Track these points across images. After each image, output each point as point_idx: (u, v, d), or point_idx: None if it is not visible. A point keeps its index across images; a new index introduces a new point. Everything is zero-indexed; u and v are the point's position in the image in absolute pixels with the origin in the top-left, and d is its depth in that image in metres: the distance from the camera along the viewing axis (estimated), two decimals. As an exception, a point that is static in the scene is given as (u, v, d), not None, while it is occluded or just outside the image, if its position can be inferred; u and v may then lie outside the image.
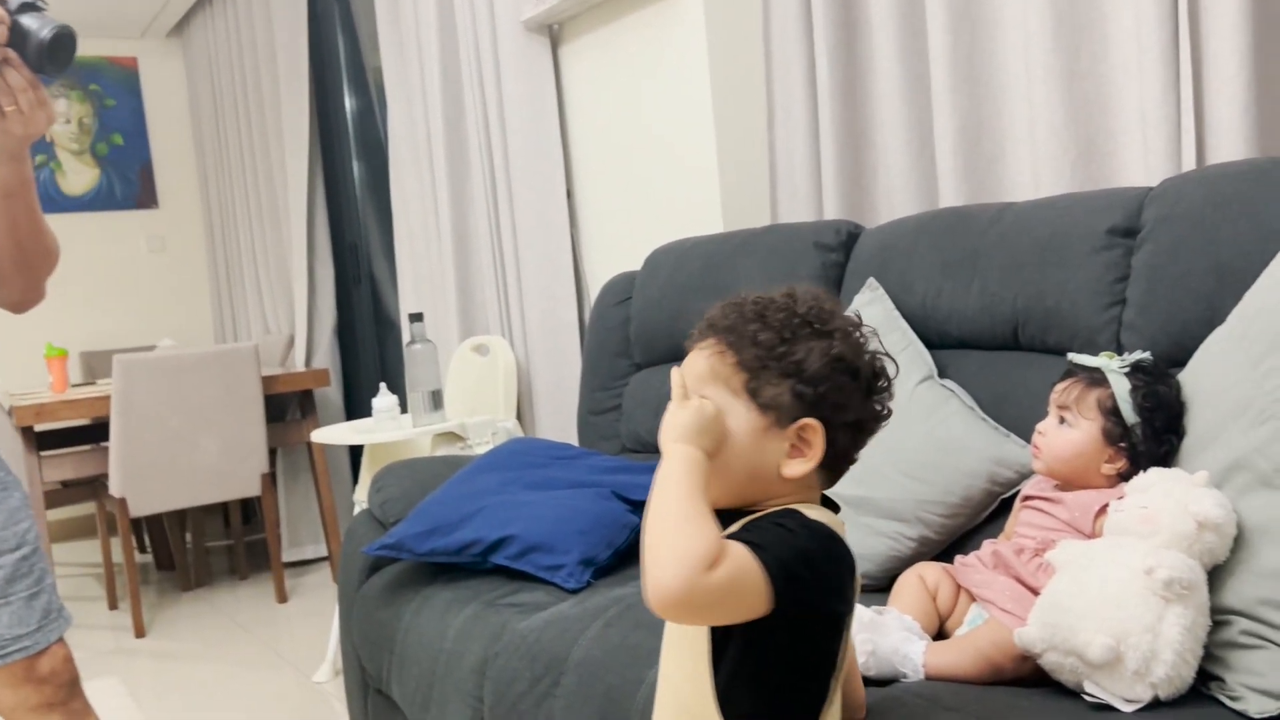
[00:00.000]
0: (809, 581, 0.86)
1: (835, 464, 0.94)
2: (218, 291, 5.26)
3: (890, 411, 0.96)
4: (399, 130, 3.32)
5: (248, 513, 4.58)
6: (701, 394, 0.93)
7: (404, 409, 2.80)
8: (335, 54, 4.23)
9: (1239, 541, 1.13)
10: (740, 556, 0.83)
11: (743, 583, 0.83)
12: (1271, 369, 1.15)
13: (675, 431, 0.90)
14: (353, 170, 4.29)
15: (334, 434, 2.75)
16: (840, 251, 1.93)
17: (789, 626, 0.88)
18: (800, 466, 0.91)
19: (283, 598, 3.66)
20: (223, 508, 4.46)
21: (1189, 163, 1.64)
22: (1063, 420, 1.31)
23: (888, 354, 0.96)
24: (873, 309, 1.73)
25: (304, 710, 2.66)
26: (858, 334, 0.94)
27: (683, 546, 0.82)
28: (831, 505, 0.97)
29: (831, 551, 0.90)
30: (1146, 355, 1.32)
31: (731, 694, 0.91)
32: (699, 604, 0.83)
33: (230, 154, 4.81)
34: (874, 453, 1.58)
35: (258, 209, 4.59)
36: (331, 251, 4.32)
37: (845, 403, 0.92)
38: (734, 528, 0.89)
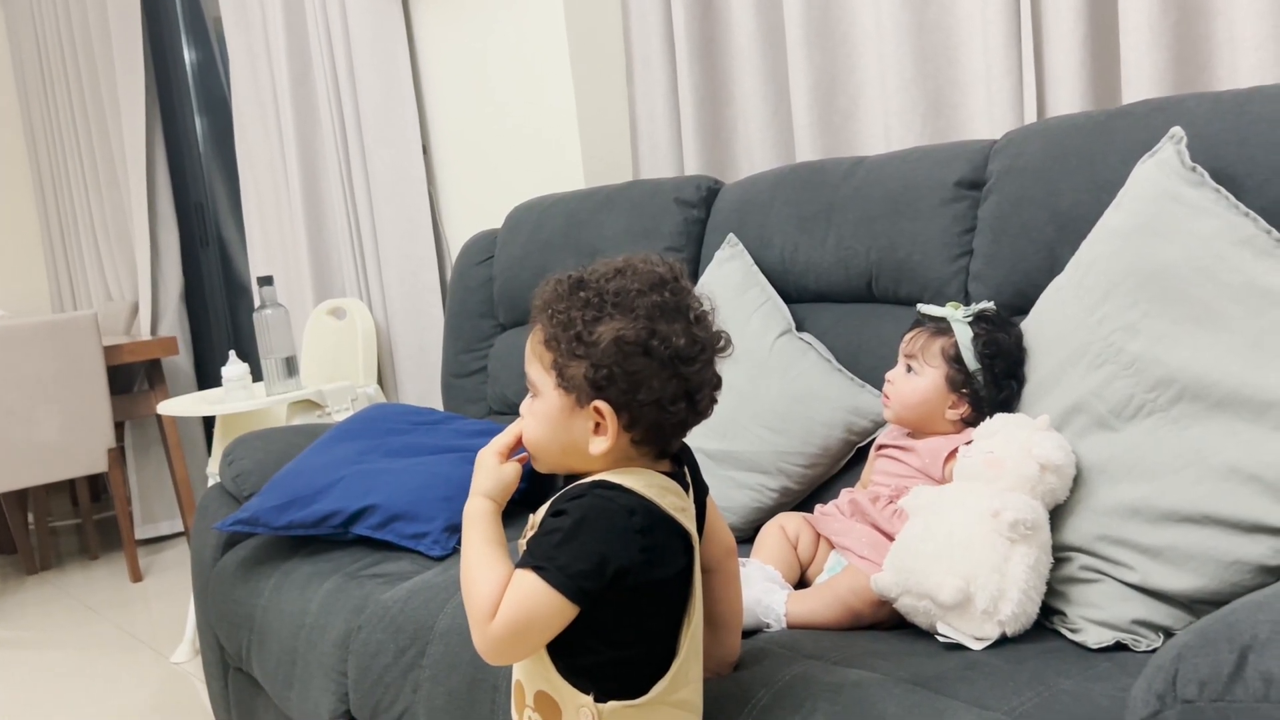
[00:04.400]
0: (604, 571, 0.89)
1: (653, 437, 0.95)
2: (52, 258, 4.95)
3: (708, 383, 0.95)
4: (242, 85, 3.16)
5: (97, 489, 4.37)
6: (526, 371, 0.97)
7: (259, 377, 2.69)
8: (171, 2, 3.99)
9: (1078, 481, 1.18)
10: (521, 589, 0.89)
11: (531, 612, 0.88)
12: (1106, 316, 1.20)
13: (474, 485, 0.99)
14: (195, 127, 4.07)
15: (182, 405, 2.62)
16: (701, 207, 1.93)
17: (608, 606, 0.90)
18: (599, 445, 0.93)
19: (137, 577, 3.51)
20: (70, 485, 4.24)
21: (1030, 114, 1.70)
22: (910, 369, 1.35)
23: (718, 332, 0.96)
24: (732, 265, 1.74)
25: (164, 692, 2.56)
26: (668, 311, 0.92)
27: (469, 605, 0.91)
28: (679, 461, 0.99)
29: (625, 529, 0.90)
30: (990, 305, 1.37)
31: (574, 661, 0.94)
32: (500, 648, 0.90)
33: (60, 112, 4.50)
34: (735, 407, 1.60)
35: (93, 169, 4.32)
36: (175, 213, 4.10)
37: (639, 383, 0.91)
38: (539, 515, 0.94)
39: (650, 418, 0.93)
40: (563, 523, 0.89)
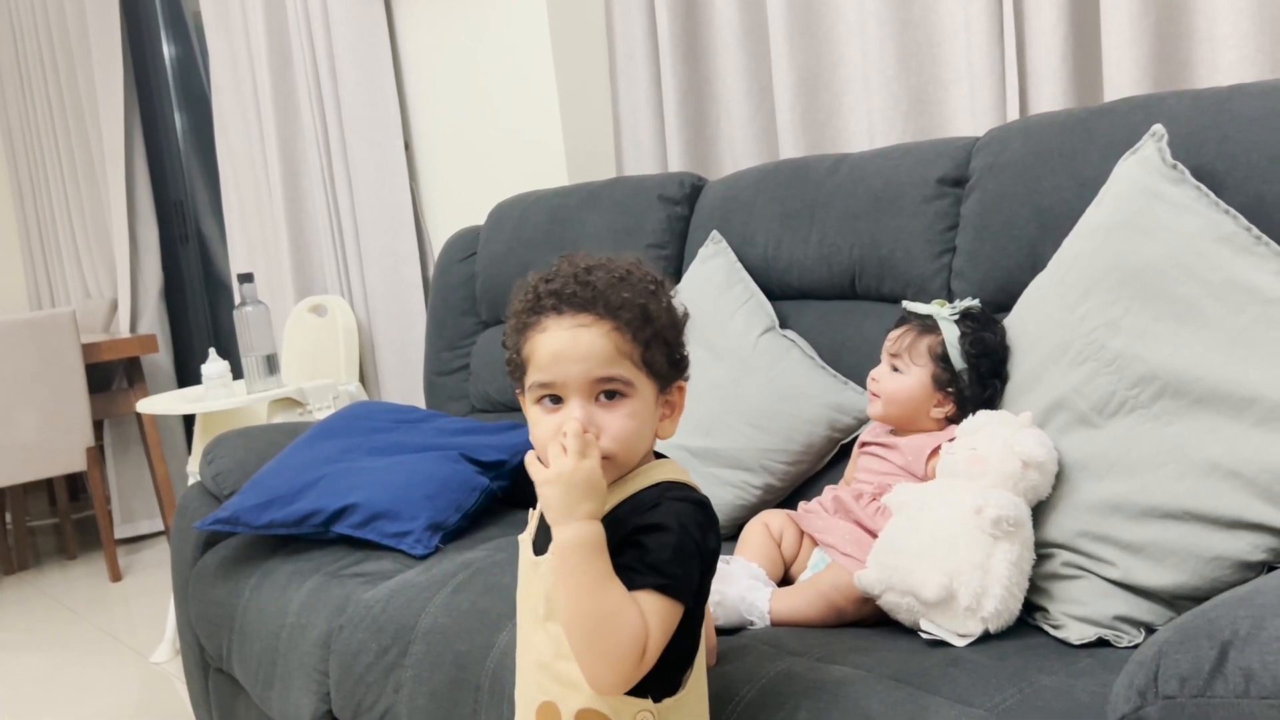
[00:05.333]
0: (705, 572, 0.89)
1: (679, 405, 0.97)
2: (30, 254, 4.90)
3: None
4: (222, 80, 3.14)
5: (75, 489, 4.33)
6: (614, 374, 0.90)
7: (239, 375, 2.67)
8: (150, -4, 3.96)
9: (1060, 478, 1.18)
10: (660, 615, 0.85)
11: (670, 630, 0.86)
12: (1087, 313, 1.20)
13: (563, 500, 0.86)
14: (175, 123, 4.04)
15: (162, 403, 2.60)
16: (684, 204, 1.92)
17: None
18: (672, 426, 0.94)
19: (116, 576, 3.48)
20: (48, 484, 4.20)
21: (1013, 112, 1.70)
22: (895, 368, 1.35)
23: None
24: (715, 262, 1.74)
25: (144, 693, 2.55)
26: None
27: (616, 646, 0.83)
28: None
29: (709, 519, 0.91)
30: (975, 303, 1.37)
31: None
32: (642, 674, 0.86)
33: (38, 107, 4.46)
34: (718, 404, 1.60)
35: (71, 165, 4.28)
36: (155, 209, 4.07)
37: (685, 353, 0.95)
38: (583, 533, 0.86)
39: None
40: (668, 537, 0.87)
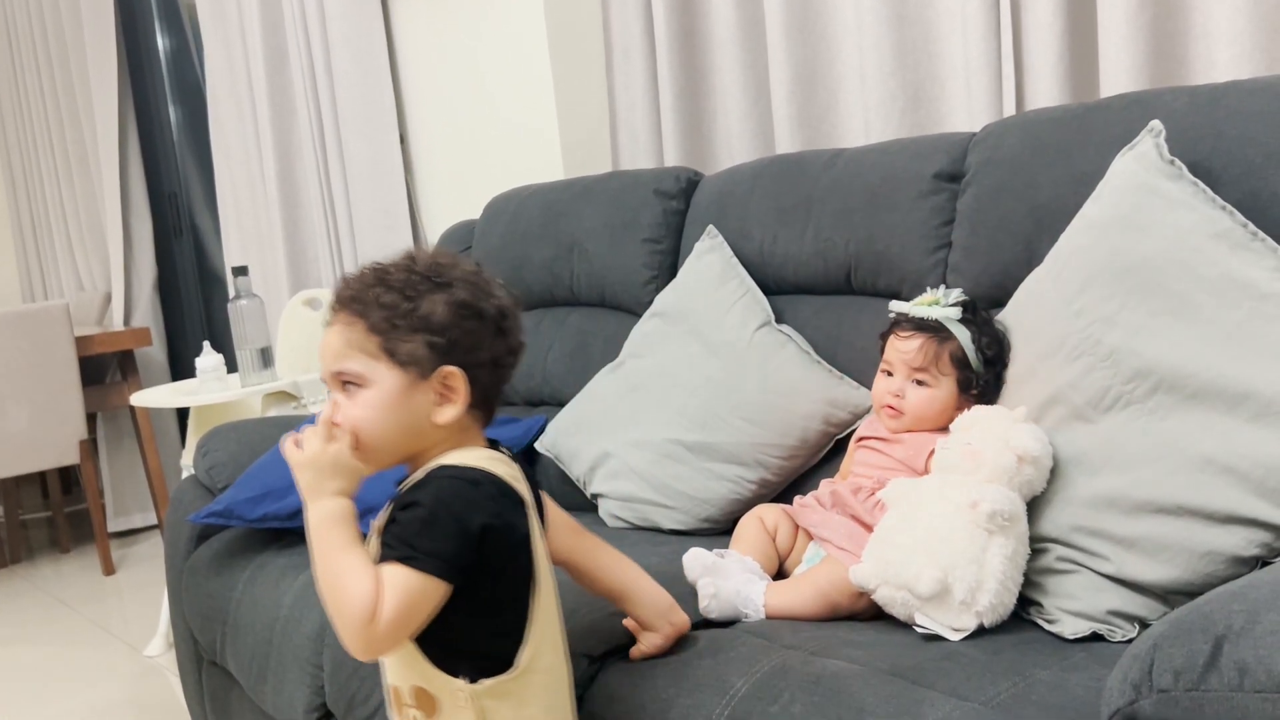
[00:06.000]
0: (469, 540, 0.91)
1: (485, 402, 1.01)
2: (23, 247, 4.88)
3: (523, 342, 1.04)
4: (217, 73, 3.13)
5: (68, 482, 4.32)
6: (343, 368, 0.96)
7: (233, 368, 2.66)
8: (144, -12, 3.95)
9: (1055, 472, 1.18)
10: (396, 584, 0.89)
11: (413, 601, 0.89)
12: (1083, 308, 1.20)
13: (311, 481, 0.94)
14: (169, 115, 4.02)
15: (155, 396, 2.59)
16: (680, 199, 1.92)
17: (470, 575, 0.93)
18: (451, 411, 0.97)
19: (109, 570, 3.47)
20: (40, 477, 4.19)
21: (1009, 108, 1.70)
22: (921, 381, 1.33)
23: (511, 292, 1.03)
24: (711, 257, 1.74)
25: (137, 686, 2.54)
26: (479, 280, 1.00)
27: (345, 611, 0.89)
28: (494, 445, 1.04)
29: (477, 498, 0.94)
30: (960, 292, 1.37)
31: (442, 646, 0.96)
32: (385, 644, 0.91)
33: (31, 99, 4.44)
34: (713, 398, 1.60)
35: (64, 158, 4.27)
36: (149, 202, 4.06)
37: (478, 344, 0.98)
38: (383, 516, 0.95)
39: (485, 378, 0.99)
40: (418, 511, 0.91)
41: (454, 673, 0.95)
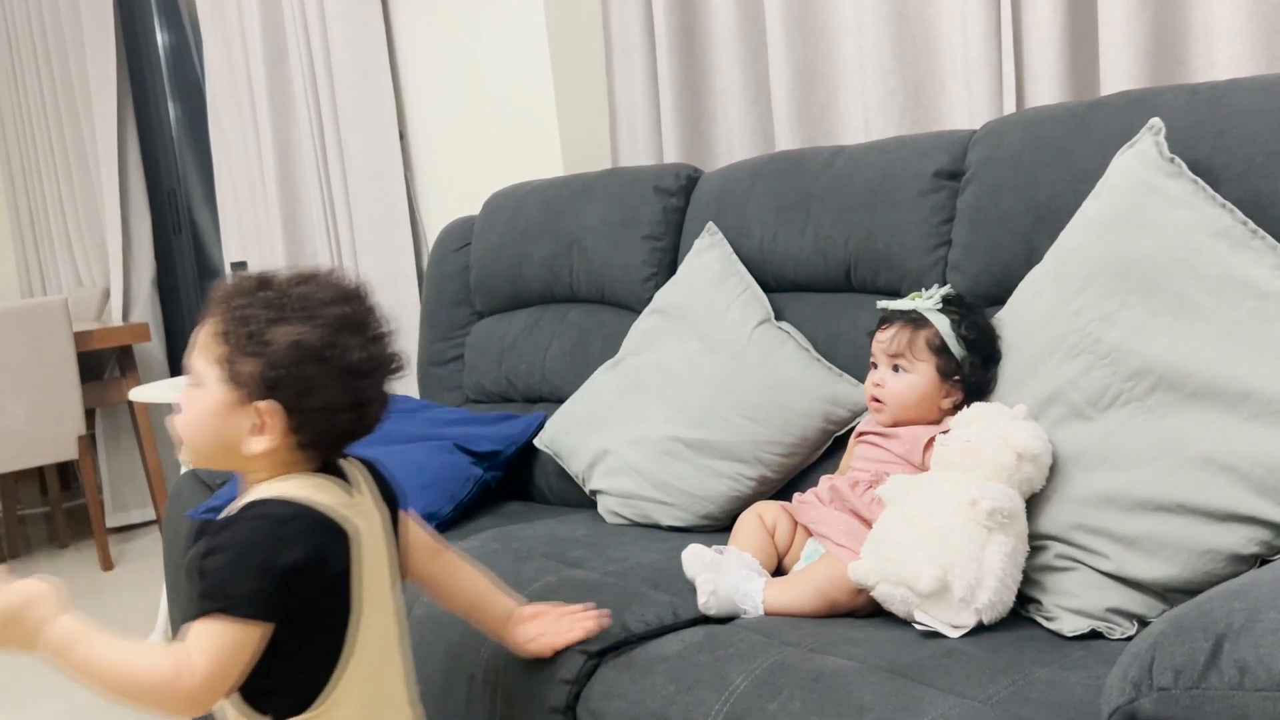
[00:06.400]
0: (275, 578, 0.89)
1: (319, 444, 0.96)
2: (21, 242, 4.87)
3: (378, 400, 0.98)
4: (216, 70, 3.12)
5: (67, 478, 4.31)
6: (189, 363, 0.95)
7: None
8: (143, -16, 3.94)
9: (1054, 470, 1.19)
10: (208, 636, 0.87)
11: (228, 649, 0.87)
12: (1083, 306, 1.20)
13: (14, 635, 0.89)
14: (168, 112, 4.02)
15: (154, 392, 2.59)
16: (680, 195, 1.92)
17: (280, 615, 0.91)
18: (258, 444, 0.93)
19: (108, 565, 3.47)
20: (39, 473, 4.19)
21: (1009, 106, 1.70)
22: (898, 368, 1.34)
23: (393, 353, 0.99)
24: (711, 254, 1.74)
25: (134, 682, 2.54)
26: (350, 324, 0.94)
27: (149, 687, 0.87)
28: (340, 472, 1.00)
29: (285, 534, 0.91)
30: (949, 288, 1.38)
31: (249, 684, 0.92)
32: (208, 697, 0.89)
33: (30, 95, 4.43)
34: (713, 396, 1.60)
35: (63, 154, 4.26)
36: (148, 199, 4.06)
37: (311, 389, 0.92)
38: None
39: (317, 424, 0.94)
40: (223, 558, 0.89)
41: (262, 710, 0.94)
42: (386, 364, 0.97)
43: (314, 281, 0.95)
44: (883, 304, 1.40)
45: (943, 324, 1.32)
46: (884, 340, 1.35)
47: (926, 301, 1.35)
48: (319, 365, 0.92)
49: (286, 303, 0.93)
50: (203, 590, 0.89)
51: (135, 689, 0.88)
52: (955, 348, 1.31)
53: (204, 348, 0.95)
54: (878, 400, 1.36)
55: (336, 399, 0.93)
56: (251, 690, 0.94)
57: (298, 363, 0.91)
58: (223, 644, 0.87)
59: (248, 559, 0.89)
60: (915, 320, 1.34)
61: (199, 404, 0.95)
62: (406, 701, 1.03)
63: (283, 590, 0.89)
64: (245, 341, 0.92)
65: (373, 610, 0.97)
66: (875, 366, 1.37)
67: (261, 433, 0.93)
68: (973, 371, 1.31)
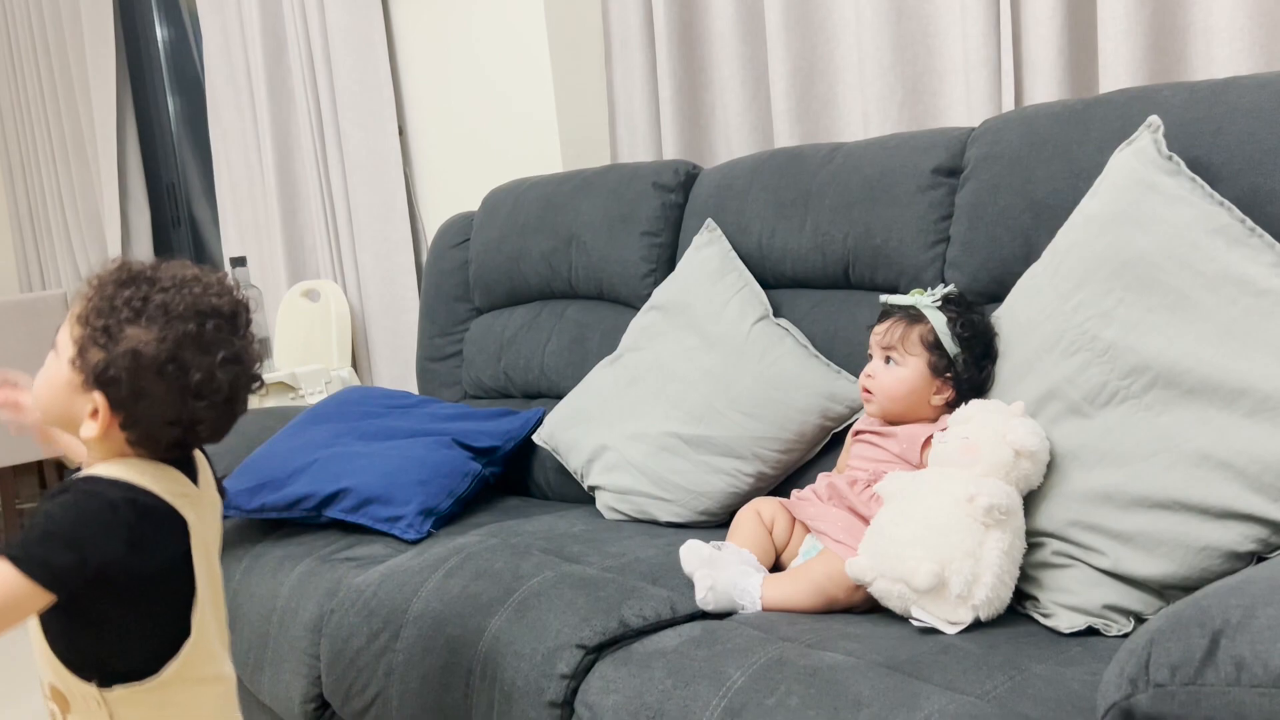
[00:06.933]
0: (85, 566, 0.90)
1: (146, 445, 0.97)
2: (20, 236, 4.87)
3: (217, 418, 0.98)
4: (215, 64, 3.12)
5: (65, 471, 4.31)
6: (59, 335, 0.96)
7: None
8: (142, -22, 3.93)
9: (1051, 467, 1.19)
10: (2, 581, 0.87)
11: (7, 596, 0.87)
12: (1081, 303, 1.21)
13: None
14: (167, 105, 4.01)
15: (154, 387, 2.59)
16: (679, 192, 1.92)
17: (97, 597, 0.92)
18: (87, 430, 0.94)
19: (106, 560, 3.47)
20: (37, 466, 4.18)
21: (1008, 103, 1.70)
22: (890, 360, 1.35)
23: (248, 377, 0.99)
24: (710, 250, 1.74)
25: (132, 677, 2.54)
26: (201, 342, 0.94)
27: None
28: (187, 466, 1.01)
29: (107, 524, 0.92)
30: (952, 288, 1.38)
31: (74, 651, 0.96)
32: None
33: (29, 88, 4.43)
34: (711, 392, 1.60)
35: (62, 148, 4.25)
36: (147, 192, 4.05)
37: (141, 396, 0.93)
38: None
39: (143, 428, 0.95)
40: (47, 521, 0.91)
41: (84, 676, 0.96)
42: (227, 388, 0.96)
43: (185, 289, 0.95)
44: (884, 298, 1.40)
45: (938, 320, 1.32)
46: (879, 333, 1.37)
47: (926, 298, 1.35)
48: (154, 377, 0.93)
49: (146, 307, 0.93)
50: (21, 535, 0.90)
51: None
52: (949, 344, 1.31)
53: (69, 322, 0.96)
54: (867, 391, 1.37)
55: (165, 413, 0.94)
56: (73, 655, 0.95)
57: (134, 370, 0.92)
58: (6, 588, 0.88)
59: (65, 532, 0.90)
60: (913, 315, 1.34)
61: (49, 372, 0.97)
62: (227, 660, 1.06)
63: (87, 580, 0.90)
64: (98, 332, 0.93)
65: (205, 593, 1.00)
66: (871, 359, 1.38)
67: (94, 419, 0.94)
68: (965, 369, 1.31)
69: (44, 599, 0.90)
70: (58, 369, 0.96)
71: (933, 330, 1.32)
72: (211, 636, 1.02)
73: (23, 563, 0.88)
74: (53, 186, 4.40)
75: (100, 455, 0.98)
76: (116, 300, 0.93)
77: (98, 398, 0.93)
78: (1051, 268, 1.28)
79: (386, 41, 2.70)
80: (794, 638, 1.12)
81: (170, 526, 0.97)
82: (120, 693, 0.96)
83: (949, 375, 1.32)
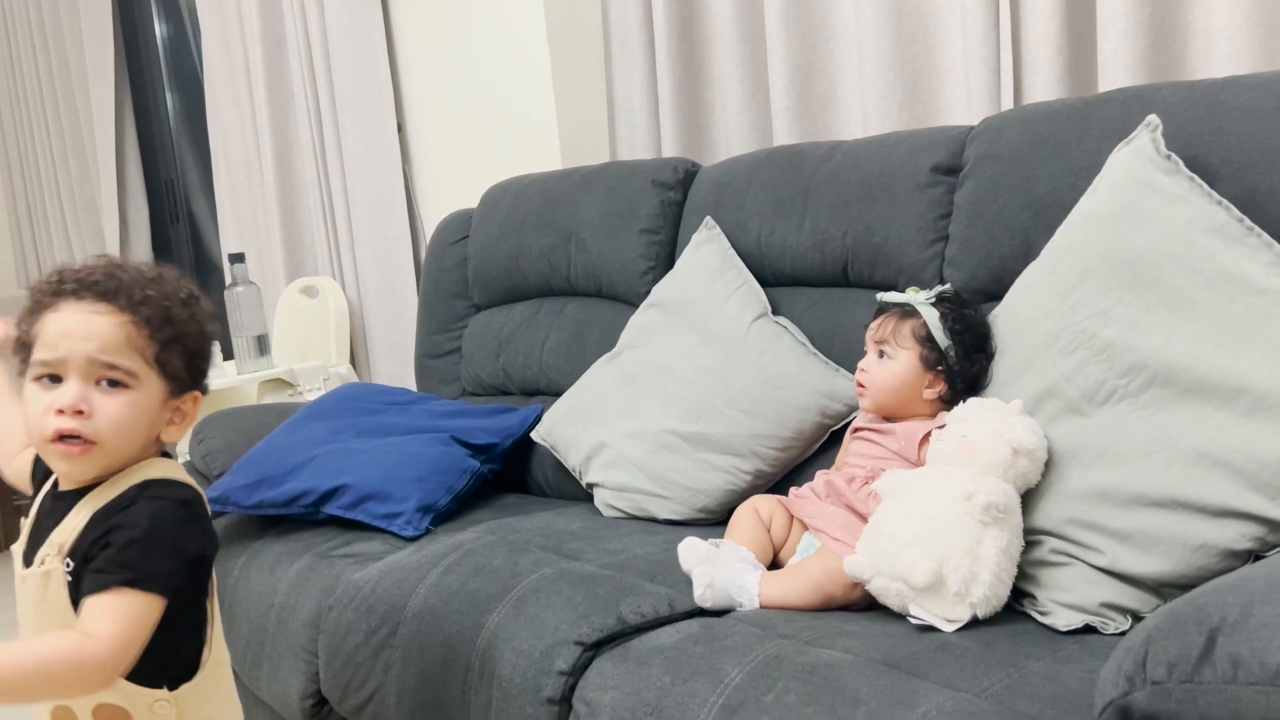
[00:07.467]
0: (186, 563, 0.94)
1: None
2: (18, 232, 4.86)
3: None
4: (214, 60, 3.11)
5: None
6: (113, 361, 0.93)
7: (229, 355, 2.66)
8: (141, -26, 3.93)
9: (1049, 465, 1.19)
10: (120, 608, 0.88)
11: (138, 621, 0.89)
12: (1079, 302, 1.21)
13: None
14: (166, 102, 4.01)
15: (152, 383, 2.59)
16: (678, 189, 1.92)
17: (184, 591, 0.96)
18: (177, 433, 1.00)
19: (104, 557, 3.46)
20: (34, 464, 4.18)
21: (1008, 101, 1.70)
22: (882, 354, 1.36)
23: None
24: (709, 248, 1.74)
25: (130, 673, 2.54)
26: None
27: (64, 686, 0.87)
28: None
29: (191, 515, 0.96)
30: (948, 286, 1.39)
31: (147, 661, 0.95)
32: (120, 668, 0.89)
33: (27, 84, 4.42)
34: (709, 389, 1.60)
35: (60, 144, 4.25)
36: (145, 189, 4.05)
37: (206, 369, 1.02)
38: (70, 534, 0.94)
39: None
40: (134, 533, 0.91)
41: (155, 684, 0.96)
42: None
43: (167, 283, 0.98)
44: (881, 296, 1.41)
45: (931, 316, 1.34)
46: (874, 328, 1.38)
47: (920, 295, 1.36)
48: (209, 345, 1.03)
49: (181, 291, 0.99)
50: (111, 561, 0.90)
51: (43, 675, 0.86)
52: (941, 338, 1.32)
53: (133, 349, 0.95)
54: (860, 385, 1.38)
55: (207, 369, 1.02)
56: (146, 665, 0.95)
57: (208, 345, 1.01)
58: (133, 614, 0.89)
59: (160, 538, 0.92)
60: (906, 311, 1.36)
61: (138, 406, 0.96)
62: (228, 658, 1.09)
63: (186, 574, 0.94)
64: (176, 338, 0.97)
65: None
66: (867, 354, 1.39)
67: (177, 423, 1.00)
68: (957, 363, 1.32)
69: (161, 607, 0.91)
70: (144, 397, 0.95)
71: (925, 324, 1.33)
72: (218, 615, 1.05)
73: (140, 582, 0.89)
74: (51, 183, 4.40)
75: (118, 461, 0.97)
76: (162, 300, 0.95)
77: (199, 396, 0.98)
78: (1050, 266, 1.28)
79: (386, 38, 2.69)
80: (792, 635, 1.12)
81: (209, 517, 1.01)
82: (184, 690, 0.98)
83: (940, 369, 1.33)
